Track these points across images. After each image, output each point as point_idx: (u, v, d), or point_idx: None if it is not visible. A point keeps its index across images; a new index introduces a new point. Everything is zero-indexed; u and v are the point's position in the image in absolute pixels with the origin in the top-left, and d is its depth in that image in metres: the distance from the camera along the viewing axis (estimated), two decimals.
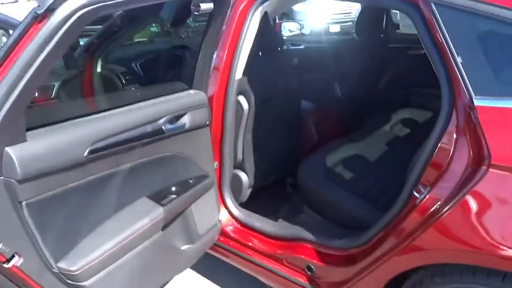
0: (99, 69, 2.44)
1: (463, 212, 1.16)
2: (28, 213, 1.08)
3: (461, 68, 1.22)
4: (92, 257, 1.17)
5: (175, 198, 1.41)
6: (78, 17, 1.01)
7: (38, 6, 0.98)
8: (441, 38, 1.25)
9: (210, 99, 1.73)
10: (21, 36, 0.99)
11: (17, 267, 1.08)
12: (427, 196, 1.25)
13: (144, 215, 1.29)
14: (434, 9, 1.25)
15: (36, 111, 1.11)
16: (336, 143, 2.23)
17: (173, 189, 1.45)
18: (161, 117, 1.37)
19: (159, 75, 2.57)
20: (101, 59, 2.47)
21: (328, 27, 7.79)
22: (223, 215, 1.97)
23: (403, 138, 2.46)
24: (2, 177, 1.03)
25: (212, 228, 1.73)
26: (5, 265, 1.06)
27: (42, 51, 0.99)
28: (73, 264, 1.16)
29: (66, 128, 1.16)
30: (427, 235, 1.21)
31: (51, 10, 1.00)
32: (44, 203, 1.11)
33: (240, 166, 2.13)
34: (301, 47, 3.46)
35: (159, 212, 1.33)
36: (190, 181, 1.54)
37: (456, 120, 1.27)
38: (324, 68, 2.76)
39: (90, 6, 1.03)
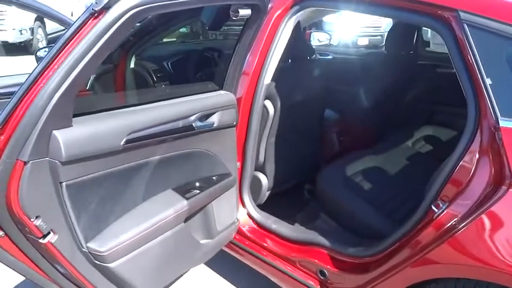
0: (132, 65, 2.54)
1: (480, 229, 1.19)
2: (67, 193, 1.15)
3: (490, 89, 1.24)
4: (120, 240, 1.24)
5: (199, 193, 1.48)
6: (131, 15, 1.09)
7: (96, 3, 1.06)
8: (471, 59, 1.28)
9: (238, 101, 1.79)
10: (78, 29, 1.07)
11: (51, 243, 1.15)
12: (445, 211, 1.27)
13: (169, 206, 1.36)
14: (467, 30, 1.28)
15: (80, 100, 1.19)
16: (357, 154, 2.26)
17: (197, 184, 1.52)
18: (192, 115, 1.44)
19: (189, 75, 2.65)
20: (135, 55, 2.57)
21: (357, 39, 7.82)
22: (241, 215, 2.02)
23: (424, 155, 2.47)
24: (47, 158, 1.11)
25: (230, 226, 1.79)
26: (41, 240, 1.14)
27: (95, 45, 1.07)
28: (102, 245, 1.23)
29: (107, 118, 1.23)
30: (442, 249, 1.24)
31: (107, 8, 1.08)
32: (82, 186, 1.18)
33: (260, 168, 2.18)
34: (329, 57, 3.50)
35: (183, 204, 1.40)
36: (214, 178, 1.60)
37: (480, 139, 1.29)
38: (351, 79, 2.79)
39: (143, 6, 1.11)
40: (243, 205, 2.03)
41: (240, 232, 1.98)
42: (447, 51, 1.40)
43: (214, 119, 1.57)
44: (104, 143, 1.19)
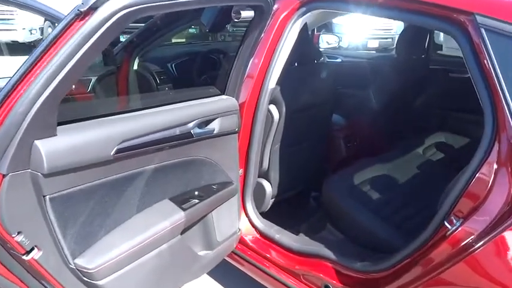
0: (135, 67, 2.48)
1: (499, 249, 1.09)
2: (51, 207, 1.08)
3: (508, 97, 1.15)
4: (110, 256, 1.17)
5: (198, 203, 1.40)
6: (120, 17, 1.01)
7: (82, 3, 0.99)
8: (489, 65, 1.19)
9: (241, 105, 1.72)
10: (62, 31, 1.00)
11: (35, 260, 1.09)
12: (460, 228, 1.18)
13: (165, 218, 1.28)
14: (485, 35, 1.20)
15: (68, 106, 1.12)
16: (365, 161, 2.17)
17: (196, 193, 1.44)
18: (191, 121, 1.37)
19: (193, 78, 2.59)
20: (138, 57, 2.52)
21: (367, 42, 7.70)
22: (243, 223, 1.95)
23: (435, 163, 2.37)
24: (29, 170, 1.04)
25: (231, 236, 1.71)
26: (24, 257, 1.07)
27: (80, 48, 0.99)
28: (90, 261, 1.16)
29: (96, 126, 1.15)
30: (458, 269, 1.15)
31: (94, 8, 1.00)
32: (67, 199, 1.11)
33: (264, 175, 2.10)
34: (338, 60, 3.41)
35: (180, 216, 1.32)
36: (214, 187, 1.53)
37: (498, 151, 1.20)
38: (360, 83, 2.70)
39: (132, 7, 1.03)
40: (246, 213, 1.96)
41: (241, 241, 1.91)
42: (461, 56, 1.31)
43: (215, 125, 1.49)
44: (92, 153, 1.11)
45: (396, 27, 7.83)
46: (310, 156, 2.30)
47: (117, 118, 1.20)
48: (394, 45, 4.13)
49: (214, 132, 1.49)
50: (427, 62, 2.81)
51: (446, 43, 3.05)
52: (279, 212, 2.19)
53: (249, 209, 1.95)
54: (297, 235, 1.95)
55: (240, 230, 1.80)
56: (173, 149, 1.35)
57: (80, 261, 1.15)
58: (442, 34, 2.96)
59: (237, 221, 1.78)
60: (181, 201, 1.36)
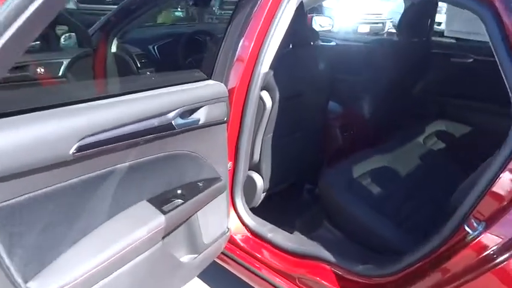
0: (113, 49, 2.27)
1: None
2: None
3: None
4: (73, 275, 0.95)
5: (181, 204, 1.23)
6: None
7: None
8: None
9: (230, 92, 1.54)
10: None
11: None
12: (484, 234, 1.03)
13: (142, 224, 1.09)
14: None
15: (13, 94, 0.90)
16: (364, 152, 2.01)
17: (179, 192, 1.27)
18: (172, 110, 1.18)
19: (177, 61, 2.38)
20: (117, 38, 2.30)
21: (358, 26, 7.51)
22: (233, 221, 1.78)
23: (437, 153, 2.23)
24: None
25: (219, 237, 1.55)
26: None
27: (15, 20, 0.73)
28: (47, 284, 0.94)
29: (49, 118, 0.93)
30: (485, 283, 1.00)
31: None
32: (13, 210, 0.89)
33: (255, 168, 1.94)
34: (333, 43, 3.22)
35: (160, 221, 1.13)
36: (200, 184, 1.35)
37: None
38: (357, 68, 2.53)
39: None
40: (235, 210, 1.79)
41: (231, 241, 1.74)
42: (464, 39, 1.15)
43: (201, 115, 1.31)
44: (44, 152, 0.89)
45: (387, 12, 7.65)
46: (304, 147, 2.14)
47: (80, 108, 0.98)
48: (385, 31, 3.97)
49: (200, 122, 1.31)
50: (429, 46, 2.64)
51: (448, 26, 2.89)
52: (271, 207, 2.03)
53: (239, 206, 1.79)
54: (291, 233, 1.80)
55: (229, 229, 1.63)
56: (151, 143, 1.15)
57: (34, 285, 0.94)
58: (444, 15, 2.79)
59: (226, 220, 1.61)
60: (161, 202, 1.18)
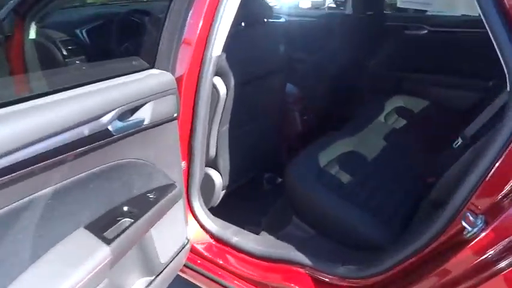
0: (32, 36, 1.91)
1: None
2: None
3: None
4: None
5: (130, 225, 1.00)
6: None
7: None
8: None
9: (178, 81, 1.30)
10: None
11: None
12: (486, 231, 0.91)
13: (78, 264, 0.84)
14: None
15: None
16: (328, 137, 1.87)
17: (126, 209, 1.03)
18: (107, 112, 0.93)
19: (111, 48, 2.06)
20: (36, 22, 1.94)
21: (299, 1, 7.35)
22: (192, 228, 1.58)
23: (400, 131, 2.14)
24: None
25: (178, 252, 1.33)
26: None
27: None
28: None
29: None
30: None
31: None
32: None
33: (212, 164, 1.73)
34: (282, 20, 3.02)
35: (103, 254, 0.87)
36: (151, 196, 1.12)
37: None
38: (312, 45, 2.37)
39: None
40: (194, 215, 1.59)
41: (192, 250, 1.54)
42: (419, 11, 1.00)
43: (145, 114, 1.07)
44: None
45: None
46: (263, 135, 1.95)
47: None
48: (325, 5, 3.84)
49: (145, 123, 1.07)
50: (383, 19, 2.53)
51: None
52: (232, 205, 1.85)
53: (197, 209, 1.58)
54: (258, 234, 1.62)
55: (188, 240, 1.42)
56: (83, 157, 0.90)
57: None
58: None
59: (185, 230, 1.40)
60: (104, 227, 0.93)
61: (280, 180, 2.23)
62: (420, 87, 2.51)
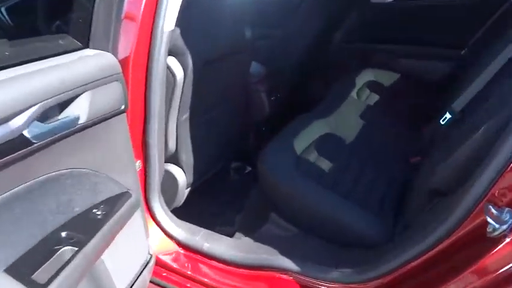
0: None
1: None
2: None
3: None
4: None
5: (74, 255, 0.75)
6: None
7: None
8: None
9: (124, 64, 1.04)
10: None
11: None
12: None
13: None
14: None
15: None
16: (301, 120, 1.67)
17: (65, 236, 0.78)
18: (21, 111, 0.66)
19: (39, 27, 1.71)
20: None
21: None
22: (154, 236, 1.35)
23: (375, 108, 1.99)
24: None
25: (140, 273, 1.10)
26: None
27: None
28: None
29: None
30: None
31: None
32: None
33: (173, 159, 1.49)
34: None
35: None
36: (98, 213, 0.87)
37: None
38: (274, 20, 2.15)
39: None
40: (155, 221, 1.36)
41: (158, 263, 1.31)
42: None
43: (80, 109, 0.81)
44: None
45: None
46: (229, 121, 1.73)
47: None
48: None
49: (81, 121, 0.81)
50: None
51: None
52: (198, 203, 1.63)
53: (159, 214, 1.35)
54: (231, 236, 1.42)
55: (151, 255, 1.18)
56: None
57: None
58: None
59: (146, 245, 1.16)
60: (33, 266, 0.68)
61: (249, 169, 2.03)
62: (390, 59, 2.37)
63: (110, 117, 0.91)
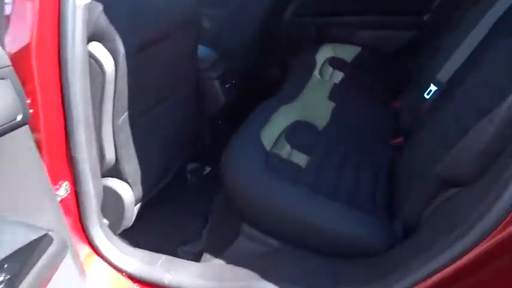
0: None
1: None
2: None
3: None
4: None
5: None
6: None
7: None
8: None
9: (21, 57, 0.73)
10: None
11: None
12: None
13: None
14: None
15: None
16: (264, 109, 1.42)
17: None
18: None
19: None
20: None
21: None
22: (100, 275, 1.06)
23: (342, 87, 1.78)
24: None
25: None
26: None
27: None
28: None
29: None
30: None
31: None
32: None
33: (114, 172, 1.20)
34: None
35: None
36: (2, 278, 0.58)
37: None
38: None
39: None
40: (98, 254, 1.07)
41: None
42: None
43: None
44: None
45: None
46: (179, 118, 1.45)
47: None
48: None
49: None
50: None
51: None
52: (152, 220, 1.36)
53: (103, 245, 1.07)
54: (198, 260, 1.16)
55: None
56: None
57: None
58: None
59: None
60: None
61: (208, 169, 1.76)
62: (347, 32, 2.17)
63: (1, 135, 0.61)
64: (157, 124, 1.30)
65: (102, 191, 1.08)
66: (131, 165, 1.21)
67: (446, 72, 1.23)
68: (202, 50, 1.59)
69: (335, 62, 1.98)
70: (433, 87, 1.25)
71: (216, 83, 1.66)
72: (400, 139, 1.40)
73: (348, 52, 2.08)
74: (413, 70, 1.76)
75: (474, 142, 0.83)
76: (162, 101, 1.29)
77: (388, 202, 1.16)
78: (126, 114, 1.13)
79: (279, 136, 1.31)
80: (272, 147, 1.25)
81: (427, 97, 1.26)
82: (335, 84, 1.77)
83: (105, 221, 1.20)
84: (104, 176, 1.18)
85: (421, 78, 1.47)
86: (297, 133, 1.34)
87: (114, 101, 1.08)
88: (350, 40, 2.15)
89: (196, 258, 1.18)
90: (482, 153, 0.80)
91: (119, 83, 1.06)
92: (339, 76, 1.88)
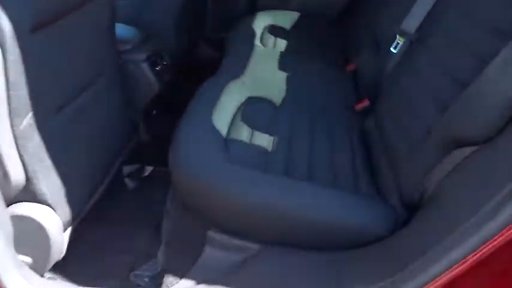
0: None
1: None
2: None
3: None
4: None
5: None
6: None
7: None
8: None
9: None
10: None
11: None
12: None
13: None
14: None
15: None
16: (210, 89, 1.19)
17: None
18: None
19: None
20: None
21: None
22: None
23: (290, 55, 1.60)
24: None
25: None
26: None
27: None
28: None
29: None
30: None
31: None
32: None
33: (27, 195, 0.91)
34: None
35: None
36: None
37: None
38: None
39: None
40: None
41: None
42: None
43: None
44: None
45: None
46: (105, 112, 1.16)
47: None
48: None
49: None
50: None
51: None
52: (91, 244, 1.09)
53: None
54: (158, 286, 0.91)
55: None
56: None
57: None
58: None
59: None
60: None
61: (150, 169, 1.49)
62: None
63: None
64: (79, 122, 1.01)
65: (9, 223, 0.79)
66: (49, 182, 0.92)
67: (412, 21, 1.09)
68: (123, 30, 1.30)
69: (275, 31, 1.79)
70: (399, 40, 1.10)
71: (145, 66, 1.38)
72: (366, 102, 1.25)
73: (286, 19, 1.90)
74: (361, 29, 1.62)
75: (488, 92, 0.68)
76: (81, 92, 1.01)
77: (372, 178, 0.99)
78: (29, 115, 0.84)
79: (234, 118, 1.09)
80: (228, 131, 1.03)
81: (395, 51, 1.11)
82: (281, 53, 1.58)
83: (27, 260, 0.92)
84: (12, 202, 0.89)
85: (378, 34, 1.32)
86: (253, 112, 1.13)
87: (8, 99, 0.79)
88: (283, 6, 1.97)
89: (156, 283, 0.93)
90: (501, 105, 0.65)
91: (10, 73, 0.77)
92: (282, 44, 1.70)
